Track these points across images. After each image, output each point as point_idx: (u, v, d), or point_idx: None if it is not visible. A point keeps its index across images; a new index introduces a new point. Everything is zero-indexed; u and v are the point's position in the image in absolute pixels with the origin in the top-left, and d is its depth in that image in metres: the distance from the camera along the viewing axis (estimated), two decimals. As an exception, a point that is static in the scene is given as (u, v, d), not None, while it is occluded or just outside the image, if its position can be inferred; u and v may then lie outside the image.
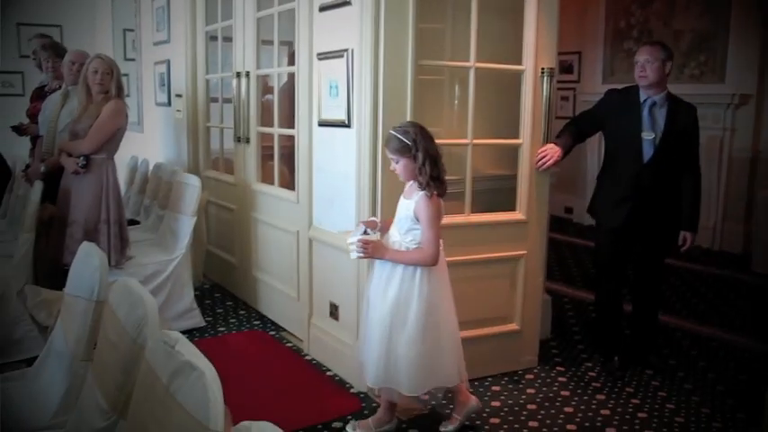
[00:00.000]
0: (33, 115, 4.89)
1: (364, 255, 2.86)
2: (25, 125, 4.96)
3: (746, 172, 6.86)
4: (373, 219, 3.11)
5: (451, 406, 3.38)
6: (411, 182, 2.90)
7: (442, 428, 3.16)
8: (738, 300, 5.39)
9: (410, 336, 2.87)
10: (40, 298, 3.75)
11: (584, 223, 8.20)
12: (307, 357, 3.97)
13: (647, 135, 3.62)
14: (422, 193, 2.81)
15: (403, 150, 2.83)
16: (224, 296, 5.19)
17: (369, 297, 3.03)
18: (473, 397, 3.21)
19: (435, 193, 2.82)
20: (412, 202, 2.85)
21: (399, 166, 2.88)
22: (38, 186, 4.05)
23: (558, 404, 3.45)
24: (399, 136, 2.84)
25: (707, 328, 4.63)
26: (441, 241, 2.90)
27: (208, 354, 1.52)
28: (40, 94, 5.04)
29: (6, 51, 7.80)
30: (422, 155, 2.79)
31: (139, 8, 6.70)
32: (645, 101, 3.66)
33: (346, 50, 3.45)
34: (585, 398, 3.53)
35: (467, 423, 3.19)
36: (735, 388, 3.70)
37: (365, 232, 2.90)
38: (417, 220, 2.84)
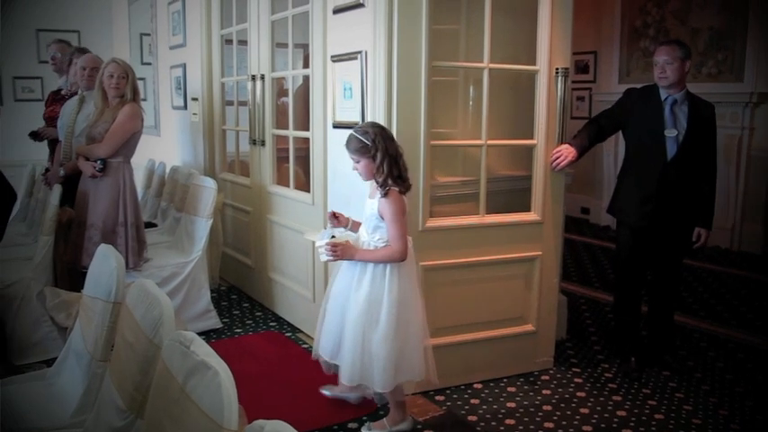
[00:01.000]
0: (50, 118, 4.95)
1: (334, 257, 2.91)
2: (42, 130, 5.02)
3: (765, 171, 6.79)
4: (341, 213, 3.13)
5: (466, 406, 3.39)
6: (372, 182, 2.96)
7: (321, 389, 3.37)
8: (757, 300, 5.33)
9: (383, 333, 2.91)
10: (59, 299, 3.80)
11: (600, 224, 8.17)
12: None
13: (670, 132, 3.61)
14: (388, 191, 2.87)
15: (362, 151, 2.88)
16: (240, 298, 5.22)
17: (331, 294, 3.09)
18: (410, 418, 3.20)
19: (397, 190, 2.87)
20: (375, 201, 2.90)
21: (360, 166, 2.93)
22: (57, 190, 4.11)
23: (573, 405, 3.44)
24: (359, 137, 2.89)
25: (725, 329, 4.60)
26: (409, 238, 2.96)
27: (224, 355, 1.54)
28: (56, 98, 5.09)
29: (25, 57, 7.90)
30: (380, 155, 2.84)
31: (156, 13, 6.77)
32: (666, 99, 3.65)
33: (360, 52, 3.46)
34: (602, 399, 3.52)
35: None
36: (753, 389, 3.66)
37: (333, 235, 2.94)
38: (382, 218, 2.89)
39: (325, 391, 3.42)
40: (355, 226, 3.08)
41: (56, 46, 5.27)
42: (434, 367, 3.06)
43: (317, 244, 2.93)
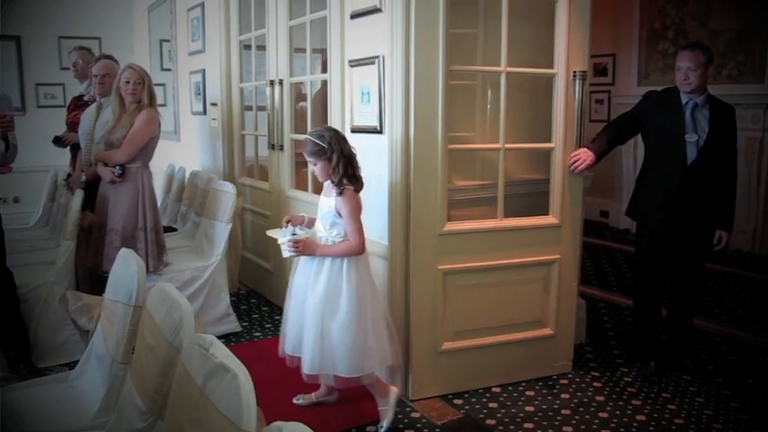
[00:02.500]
0: (73, 123, 5.01)
1: (297, 253, 3.03)
2: (65, 136, 5.08)
3: (787, 174, 6.71)
4: (301, 215, 3.26)
5: (485, 410, 3.38)
6: (328, 181, 3.10)
7: (294, 400, 3.44)
8: (779, 304, 5.28)
9: (343, 322, 3.03)
10: (81, 303, 3.86)
11: (619, 227, 8.11)
12: (341, 362, 4.00)
13: (691, 137, 3.59)
14: (343, 189, 3.02)
15: (319, 153, 3.03)
16: (259, 302, 5.25)
17: (292, 292, 3.20)
18: (392, 387, 3.28)
19: (352, 188, 3.04)
20: (332, 199, 3.05)
21: (317, 168, 3.09)
22: (79, 195, 4.16)
23: (592, 409, 3.43)
24: (315, 140, 3.04)
25: (746, 333, 4.55)
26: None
27: (243, 358, 1.56)
28: (78, 104, 5.15)
29: (48, 64, 8.01)
30: (336, 156, 3.02)
31: (175, 19, 6.84)
32: (687, 103, 3.63)
33: (378, 57, 3.48)
34: (621, 403, 3.50)
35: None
36: (775, 394, 3.63)
37: (294, 233, 3.04)
38: (339, 215, 3.04)
39: (299, 401, 3.46)
40: (311, 222, 3.23)
41: (77, 53, 5.33)
42: (398, 352, 3.25)
43: (280, 241, 3.04)
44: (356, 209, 3.05)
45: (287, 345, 3.20)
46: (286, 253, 3.03)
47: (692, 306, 3.94)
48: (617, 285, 5.75)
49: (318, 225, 3.15)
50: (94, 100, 4.78)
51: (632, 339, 4.22)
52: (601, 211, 8.56)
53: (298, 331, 3.13)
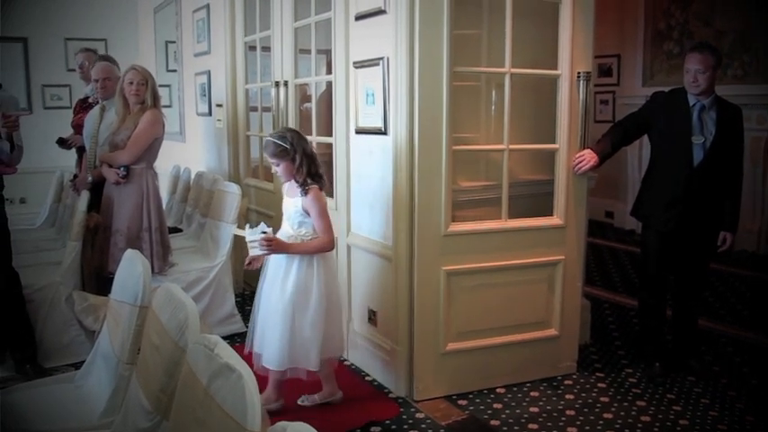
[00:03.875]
0: (78, 126, 5.03)
1: (269, 251, 3.05)
2: (70, 138, 5.09)
3: (793, 174, 6.69)
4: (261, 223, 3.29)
5: (489, 411, 3.39)
6: (291, 181, 3.15)
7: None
8: (785, 305, 5.27)
9: (313, 318, 3.13)
10: (87, 303, 3.87)
11: (625, 228, 8.10)
12: (345, 362, 4.00)
13: (697, 140, 3.59)
14: (308, 188, 3.09)
15: (282, 154, 3.09)
16: (264, 302, 5.25)
17: (263, 292, 3.23)
18: (340, 392, 3.44)
19: (317, 187, 3.12)
20: (298, 199, 3.12)
21: (280, 168, 3.13)
22: (84, 196, 4.18)
23: (597, 410, 3.43)
24: (277, 141, 3.09)
25: (751, 334, 4.54)
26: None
27: (249, 359, 1.57)
28: (84, 106, 5.17)
29: (54, 65, 8.04)
30: (299, 156, 3.08)
31: (181, 21, 6.86)
32: (694, 104, 3.62)
33: (382, 58, 3.48)
34: (625, 404, 3.50)
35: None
36: (781, 395, 3.63)
37: (264, 231, 3.06)
38: (307, 214, 3.11)
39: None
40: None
41: (83, 55, 5.36)
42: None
43: (249, 239, 3.04)
44: (324, 207, 3.14)
45: (255, 343, 3.25)
46: (257, 251, 3.05)
47: (697, 307, 3.93)
48: (622, 286, 5.74)
49: (285, 226, 3.18)
50: (98, 102, 4.80)
51: (637, 340, 4.22)
52: (606, 211, 8.55)
53: (262, 328, 3.19)
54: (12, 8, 7.83)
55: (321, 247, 3.14)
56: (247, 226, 3.17)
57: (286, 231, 3.18)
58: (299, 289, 3.11)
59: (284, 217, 3.23)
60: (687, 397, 3.58)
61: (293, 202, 3.15)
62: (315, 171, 3.13)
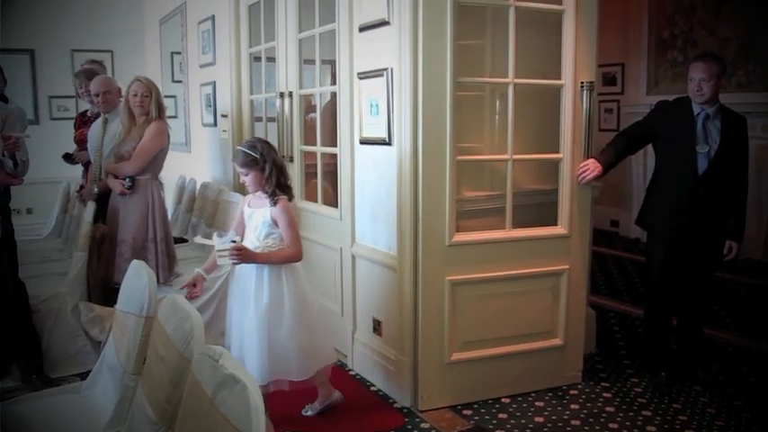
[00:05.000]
0: (81, 141, 5.06)
1: (239, 261, 3.01)
2: (75, 154, 5.12)
3: (798, 182, 6.67)
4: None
5: (494, 421, 3.39)
6: (258, 192, 3.14)
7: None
8: (791, 314, 5.25)
9: (290, 328, 3.09)
10: (93, 314, 3.89)
11: (630, 236, 8.09)
12: (351, 372, 4.01)
13: (702, 149, 3.59)
14: (277, 199, 3.07)
15: (251, 164, 3.07)
16: (269, 312, 5.25)
17: (233, 310, 3.20)
18: (337, 391, 3.47)
19: (286, 198, 3.11)
20: (267, 209, 3.09)
21: (249, 178, 3.11)
22: (91, 207, 4.20)
23: (602, 420, 3.42)
24: (247, 150, 3.08)
25: (757, 343, 4.52)
26: None
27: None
28: (83, 120, 5.21)
29: (61, 77, 8.09)
30: (269, 167, 3.07)
31: (186, 32, 6.90)
32: (698, 113, 3.63)
33: (386, 69, 3.50)
34: (631, 414, 3.49)
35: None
36: (787, 404, 3.61)
37: (233, 240, 3.04)
38: (276, 224, 3.09)
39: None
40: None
41: (77, 80, 5.35)
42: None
43: (218, 248, 3.00)
44: (293, 217, 3.14)
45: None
46: (226, 261, 3.00)
47: (702, 316, 3.93)
48: (627, 295, 5.73)
49: (251, 237, 3.15)
50: (98, 114, 4.83)
51: (643, 349, 4.21)
52: (611, 220, 8.54)
53: (239, 345, 3.13)
54: (19, 20, 7.91)
55: (290, 257, 3.12)
56: (215, 235, 3.17)
57: (251, 243, 3.13)
58: (272, 301, 3.08)
59: (248, 228, 3.19)
60: (693, 407, 3.57)
61: (261, 212, 3.12)
62: (284, 182, 3.13)
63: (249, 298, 3.10)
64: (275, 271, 3.10)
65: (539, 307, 3.70)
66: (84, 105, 5.55)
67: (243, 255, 3.00)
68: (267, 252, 3.08)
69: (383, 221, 3.69)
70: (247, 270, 3.11)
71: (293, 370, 3.12)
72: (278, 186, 3.09)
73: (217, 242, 3.05)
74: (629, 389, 3.79)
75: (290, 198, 3.16)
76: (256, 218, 3.14)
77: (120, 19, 8.46)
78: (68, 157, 5.13)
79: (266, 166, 3.06)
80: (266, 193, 3.09)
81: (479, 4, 3.75)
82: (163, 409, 1.95)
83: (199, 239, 3.41)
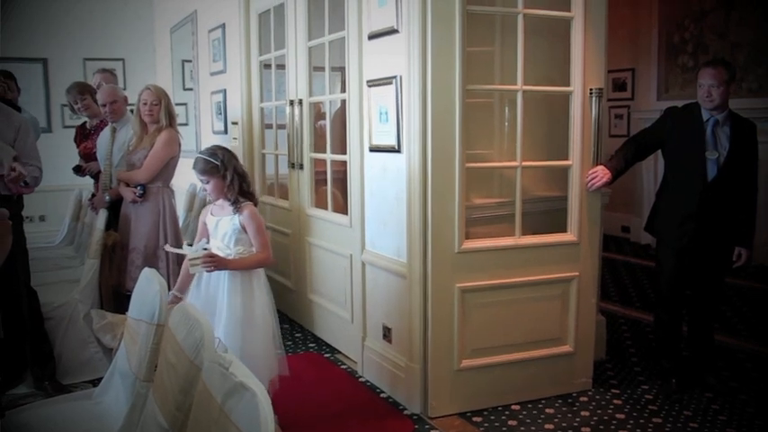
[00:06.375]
0: (86, 154, 5.10)
1: (212, 268, 3.00)
2: (85, 166, 5.16)
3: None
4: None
5: (504, 428, 3.38)
6: (221, 200, 3.13)
7: None
8: (804, 320, 5.21)
9: (261, 335, 3.10)
10: (105, 321, 3.91)
11: (641, 242, 8.06)
12: (361, 379, 4.02)
13: (711, 155, 3.59)
14: (242, 206, 3.08)
15: (212, 171, 3.07)
16: (280, 319, 5.21)
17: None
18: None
19: (251, 204, 3.12)
20: (234, 216, 3.09)
21: (210, 186, 3.11)
22: (102, 215, 4.24)
23: (612, 427, 3.41)
24: (207, 158, 3.08)
25: (770, 350, 4.50)
26: None
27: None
28: (84, 132, 5.25)
29: (74, 85, 8.16)
30: (230, 174, 3.07)
31: (197, 40, 6.95)
32: (708, 120, 3.62)
33: (395, 77, 3.52)
34: (641, 421, 3.47)
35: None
36: (800, 411, 3.59)
37: (205, 247, 3.05)
38: (244, 230, 3.08)
39: None
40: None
41: (100, 75, 5.42)
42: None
43: (191, 256, 2.99)
44: (262, 223, 3.14)
45: None
46: (198, 269, 2.99)
47: (712, 322, 3.91)
48: (638, 301, 5.71)
49: (219, 245, 3.13)
50: (98, 126, 4.89)
51: (653, 356, 4.20)
52: (622, 226, 8.52)
53: None
54: (32, 30, 7.99)
55: (261, 261, 3.13)
56: (185, 244, 3.17)
57: (222, 251, 3.11)
58: (245, 306, 3.07)
59: (214, 238, 3.17)
60: (704, 414, 3.55)
61: (228, 220, 3.11)
62: (246, 188, 3.14)
63: (220, 305, 3.07)
64: (247, 276, 3.10)
65: (548, 314, 3.69)
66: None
67: (216, 262, 2.99)
68: (240, 258, 3.09)
69: (393, 228, 3.70)
70: (217, 277, 3.10)
71: (265, 374, 3.08)
72: (241, 193, 3.10)
73: (188, 251, 3.05)
74: (639, 395, 3.78)
75: (256, 203, 3.18)
76: (223, 226, 3.12)
77: (132, 28, 8.54)
78: (78, 170, 5.17)
79: (227, 174, 3.07)
80: (229, 200, 3.10)
81: (488, 12, 3.76)
82: (173, 416, 1.97)
83: (168, 248, 3.42)
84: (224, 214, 3.14)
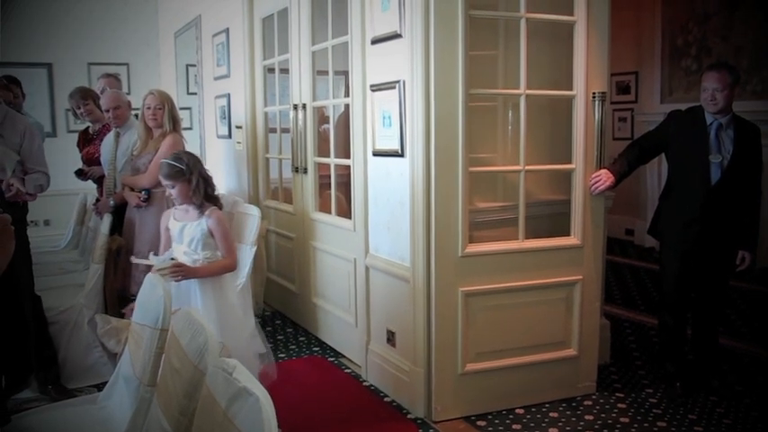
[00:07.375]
0: (89, 160, 5.11)
1: (181, 277, 3.00)
2: (88, 170, 5.18)
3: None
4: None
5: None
6: (185, 205, 3.15)
7: None
8: (809, 323, 5.19)
9: (239, 336, 3.10)
10: (109, 326, 3.90)
11: (645, 245, 8.04)
12: (365, 383, 4.02)
13: (715, 158, 3.59)
14: (208, 211, 3.12)
15: (177, 175, 3.09)
16: (284, 323, 5.29)
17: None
18: None
19: (217, 208, 3.16)
20: (202, 220, 3.12)
21: (175, 190, 3.13)
22: (107, 219, 4.25)
23: (617, 431, 3.40)
24: (172, 162, 3.11)
25: (775, 353, 4.49)
26: None
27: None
28: (87, 137, 5.27)
29: (78, 90, 8.20)
30: (195, 178, 3.11)
31: (201, 45, 6.98)
32: (711, 123, 3.62)
33: (398, 82, 3.53)
34: (646, 425, 3.47)
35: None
36: (805, 415, 3.57)
37: (172, 257, 3.07)
38: (211, 235, 3.12)
39: None
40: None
41: (104, 80, 5.44)
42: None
43: (158, 266, 2.99)
44: (227, 228, 3.21)
45: None
46: (169, 278, 2.94)
47: (717, 325, 3.91)
48: (643, 304, 5.70)
49: (185, 250, 3.13)
50: (101, 131, 4.90)
51: (658, 359, 4.19)
52: (626, 229, 8.50)
53: None
54: (37, 35, 8.02)
55: (227, 267, 3.15)
56: (151, 254, 3.16)
57: (188, 257, 3.11)
58: (219, 309, 3.08)
59: (179, 243, 3.16)
60: (709, 417, 3.54)
61: (194, 224, 3.12)
62: (211, 193, 3.17)
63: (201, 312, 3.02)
64: (218, 282, 3.11)
65: (552, 317, 3.69)
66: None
67: (183, 271, 3.00)
68: (207, 265, 3.10)
69: (396, 233, 3.70)
70: (187, 286, 3.09)
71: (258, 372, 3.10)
72: (206, 197, 3.12)
73: (155, 261, 3.05)
74: (643, 399, 3.77)
75: (221, 207, 3.20)
76: (190, 231, 3.13)
77: (136, 32, 8.56)
78: (80, 173, 5.19)
79: (192, 178, 3.10)
80: (195, 204, 3.12)
81: (491, 16, 3.77)
82: (177, 421, 1.97)
83: (134, 259, 3.43)
84: (189, 219, 3.16)
